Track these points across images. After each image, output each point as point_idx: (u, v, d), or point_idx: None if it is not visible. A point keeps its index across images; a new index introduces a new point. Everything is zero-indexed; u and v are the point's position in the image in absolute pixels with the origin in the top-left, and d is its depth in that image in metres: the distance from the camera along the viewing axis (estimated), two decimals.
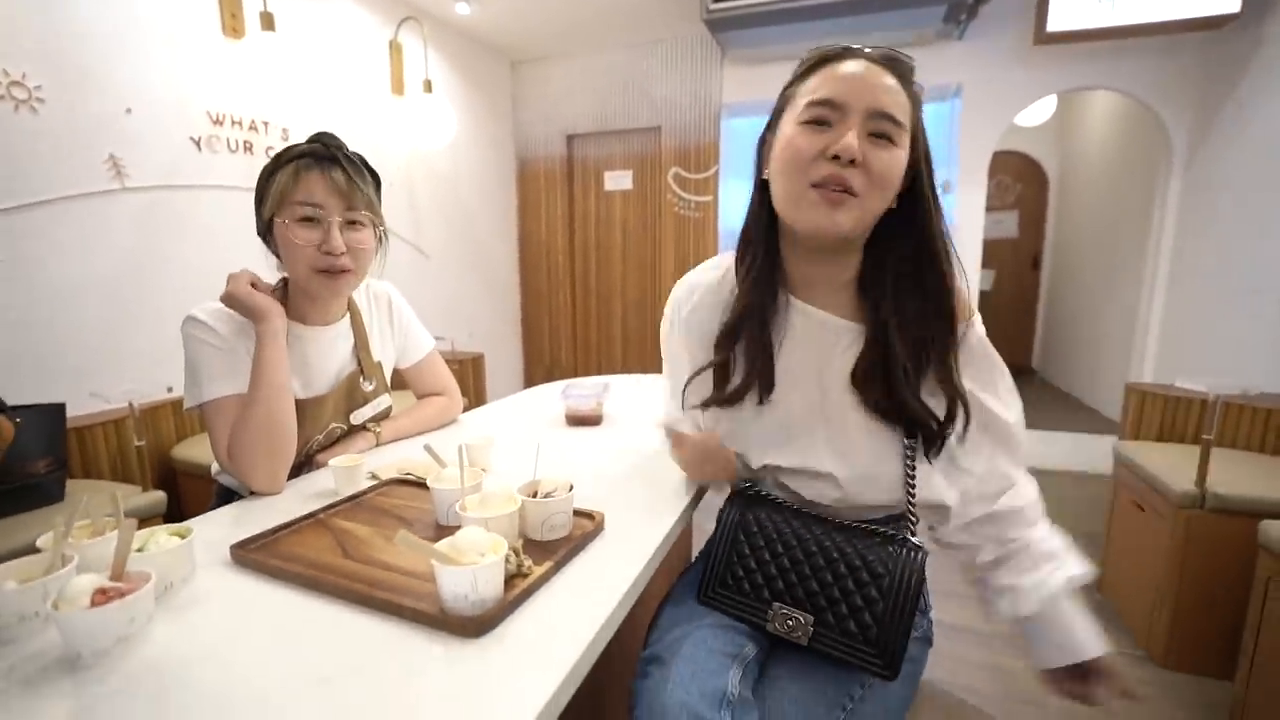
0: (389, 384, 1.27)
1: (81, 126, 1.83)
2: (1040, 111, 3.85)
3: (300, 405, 1.07)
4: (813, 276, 0.82)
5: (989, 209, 5.34)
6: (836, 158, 0.69)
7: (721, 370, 0.83)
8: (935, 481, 0.79)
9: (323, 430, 1.14)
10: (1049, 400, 4.54)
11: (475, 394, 3.14)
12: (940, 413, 0.76)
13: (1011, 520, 0.81)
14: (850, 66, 0.72)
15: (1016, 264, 5.42)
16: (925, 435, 0.77)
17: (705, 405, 0.86)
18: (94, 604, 0.56)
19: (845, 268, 0.81)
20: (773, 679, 0.74)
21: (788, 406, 0.82)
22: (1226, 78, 2.65)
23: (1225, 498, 1.59)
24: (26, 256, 1.74)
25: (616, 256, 4.10)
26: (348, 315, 1.19)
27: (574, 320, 4.26)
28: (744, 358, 0.82)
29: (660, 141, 3.79)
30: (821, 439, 0.81)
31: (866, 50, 0.73)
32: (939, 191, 0.77)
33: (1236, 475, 1.67)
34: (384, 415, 1.26)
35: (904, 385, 0.75)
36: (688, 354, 0.90)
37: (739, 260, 0.85)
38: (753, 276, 0.81)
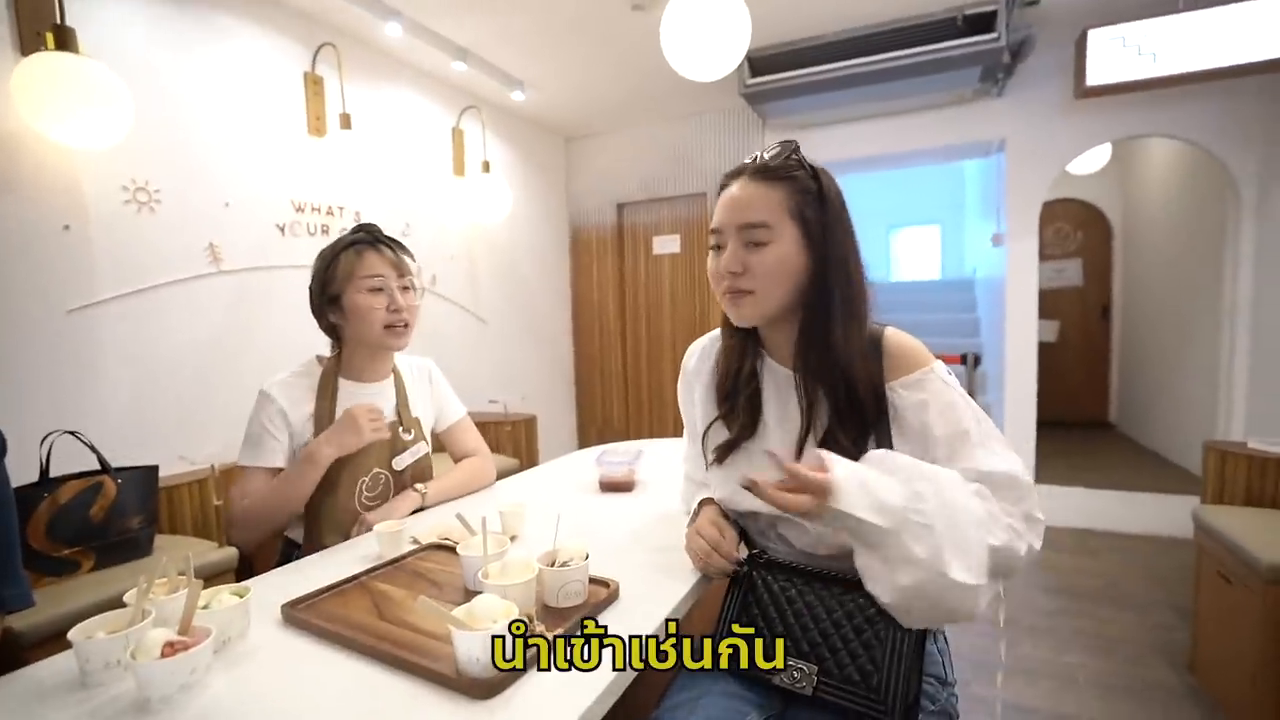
0: (428, 438, 1.41)
1: (189, 220, 2.10)
2: (1095, 159, 3.75)
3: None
4: (772, 340, 0.95)
5: (1048, 258, 5.16)
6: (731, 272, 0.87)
7: (725, 419, 0.96)
8: None
9: (368, 473, 1.26)
10: (1129, 457, 4.22)
11: (528, 454, 3.23)
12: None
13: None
14: (729, 191, 0.88)
15: (1084, 313, 5.18)
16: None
17: (719, 455, 0.95)
18: (164, 655, 0.64)
19: (789, 332, 0.91)
20: None
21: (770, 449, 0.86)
22: None
23: None
24: (139, 336, 1.98)
25: (666, 317, 4.21)
26: (392, 376, 1.38)
27: (625, 381, 4.34)
28: (737, 405, 0.94)
29: (706, 206, 3.92)
30: None
31: (746, 162, 0.88)
32: (854, 256, 0.86)
33: None
34: (423, 460, 1.38)
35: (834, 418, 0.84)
36: (695, 406, 1.03)
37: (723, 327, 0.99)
38: (728, 341, 0.98)
